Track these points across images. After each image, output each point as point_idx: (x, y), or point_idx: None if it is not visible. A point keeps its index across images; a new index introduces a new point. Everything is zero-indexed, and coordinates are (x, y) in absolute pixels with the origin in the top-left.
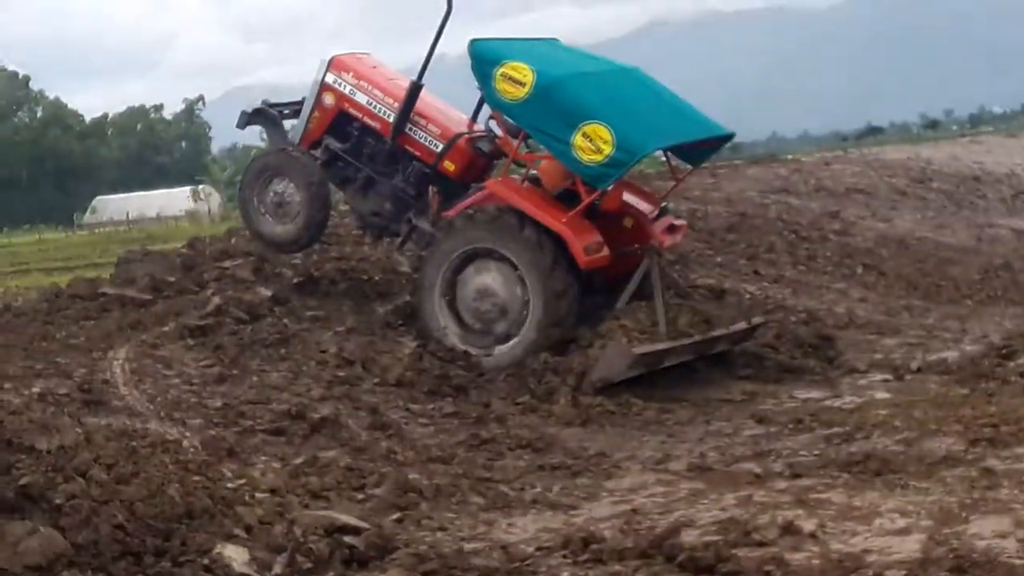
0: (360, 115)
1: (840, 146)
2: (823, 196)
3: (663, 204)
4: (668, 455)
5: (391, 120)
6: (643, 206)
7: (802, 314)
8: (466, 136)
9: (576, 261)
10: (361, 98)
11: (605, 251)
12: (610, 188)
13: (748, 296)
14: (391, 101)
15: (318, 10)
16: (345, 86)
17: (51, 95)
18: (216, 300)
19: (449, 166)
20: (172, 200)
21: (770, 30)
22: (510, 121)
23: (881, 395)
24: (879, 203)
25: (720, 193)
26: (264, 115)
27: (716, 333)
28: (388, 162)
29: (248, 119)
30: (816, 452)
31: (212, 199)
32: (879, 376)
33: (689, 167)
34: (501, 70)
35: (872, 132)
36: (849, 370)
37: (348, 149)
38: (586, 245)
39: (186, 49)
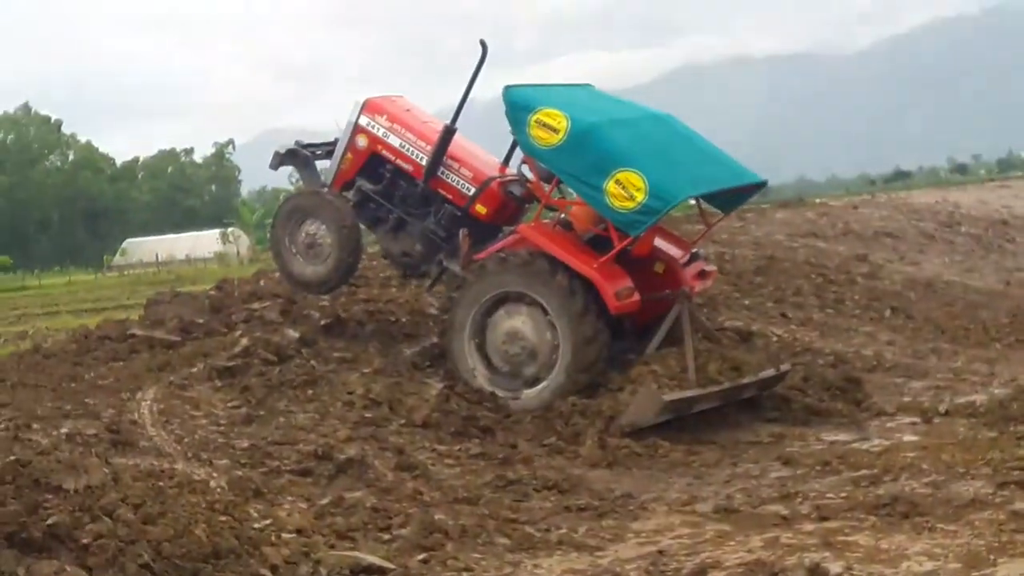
0: (393, 157)
1: (868, 190)
2: (851, 239)
3: (694, 250)
4: (695, 497)
5: (424, 163)
6: (674, 251)
7: (830, 357)
8: (498, 180)
9: (607, 306)
10: (394, 141)
11: (636, 296)
12: (641, 235)
13: (776, 339)
14: (424, 144)
15: (345, 54)
16: (379, 128)
17: (83, 139)
18: (244, 342)
19: (481, 209)
20: (201, 242)
21: (799, 75)
22: (543, 166)
23: (909, 438)
24: (907, 247)
25: (748, 236)
26: (297, 156)
27: (745, 380)
28: (420, 204)
29: (281, 159)
30: (843, 494)
31: (241, 242)
32: (907, 419)
33: (720, 213)
34: (535, 116)
35: (900, 176)
36: (877, 413)
37: (380, 191)
38: (617, 291)
39: (216, 89)
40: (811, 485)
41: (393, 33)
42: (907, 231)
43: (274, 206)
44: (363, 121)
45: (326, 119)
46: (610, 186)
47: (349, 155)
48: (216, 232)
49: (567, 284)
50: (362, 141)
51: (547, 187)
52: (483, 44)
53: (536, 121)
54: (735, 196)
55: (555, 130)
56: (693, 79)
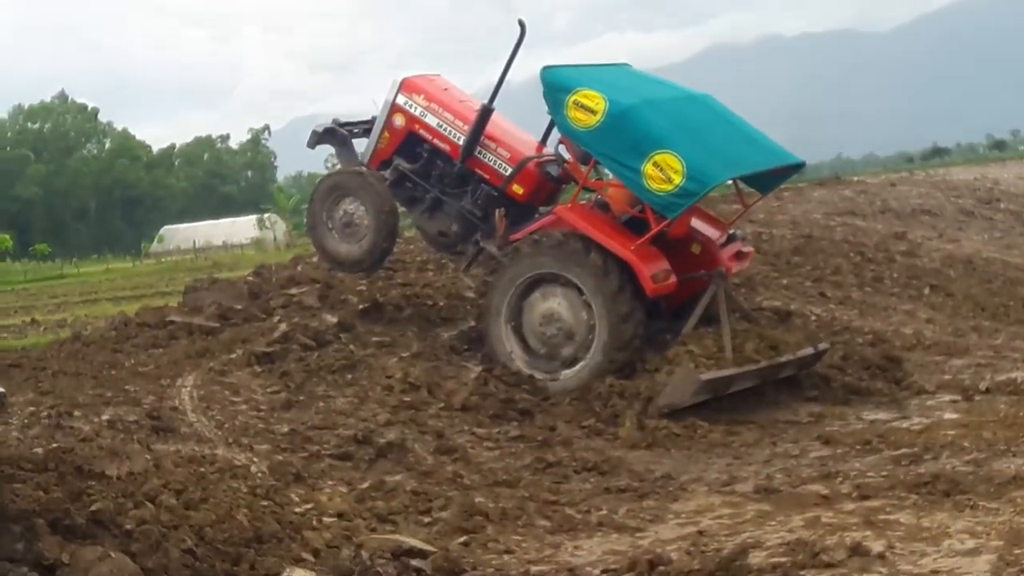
0: (430, 137)
1: (906, 167)
2: (889, 217)
3: (731, 231)
4: (734, 477)
5: (461, 143)
6: (711, 232)
7: (869, 336)
8: (535, 160)
9: (644, 289)
10: (431, 120)
11: (672, 279)
12: (680, 217)
13: (814, 318)
14: (461, 124)
15: (381, 41)
16: (416, 108)
17: (119, 127)
18: (283, 327)
19: (517, 189)
20: (238, 228)
21: (834, 53)
22: (580, 148)
23: (949, 416)
24: (946, 224)
25: (785, 215)
26: (334, 134)
27: (782, 359)
28: (456, 184)
29: (319, 138)
30: (884, 473)
31: (278, 227)
32: (947, 397)
33: (757, 193)
34: (573, 98)
35: (938, 153)
36: (917, 391)
37: (417, 170)
38: (654, 273)
39: (251, 78)
40: (851, 464)
41: (429, 19)
42: (946, 208)
43: (309, 192)
44: (400, 100)
45: (361, 106)
46: (648, 168)
47: (386, 134)
48: (253, 218)
49: (601, 263)
50: (399, 120)
51: (584, 168)
52: (521, 24)
53: (574, 102)
54: (773, 177)
55: (593, 111)
56: (727, 58)
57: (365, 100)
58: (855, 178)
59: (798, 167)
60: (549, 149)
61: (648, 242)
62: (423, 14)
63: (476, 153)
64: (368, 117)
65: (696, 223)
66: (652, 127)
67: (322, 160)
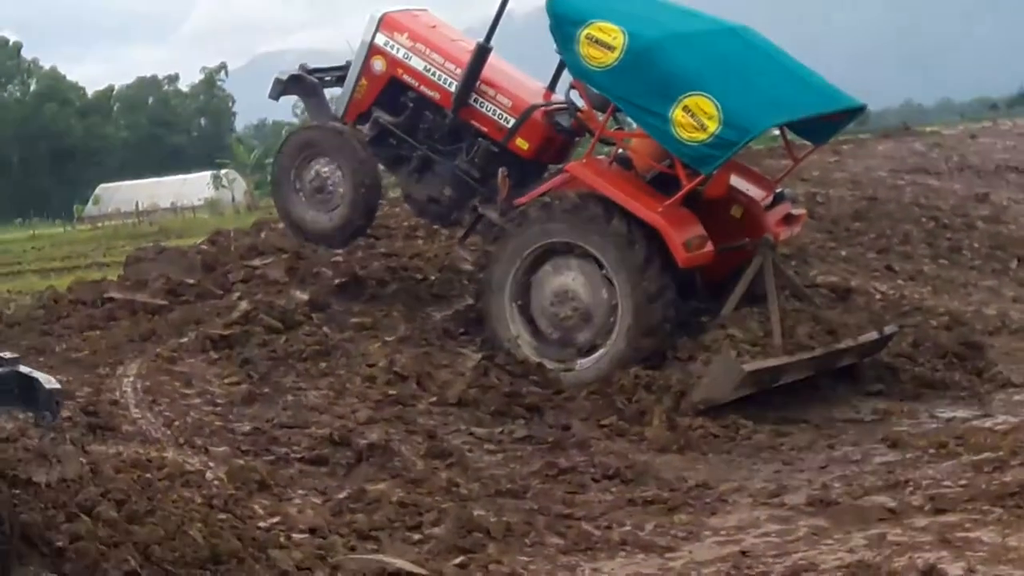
0: (416, 83)
1: (989, 115)
2: (968, 176)
3: (778, 190)
4: (784, 486)
5: (453, 89)
6: (754, 192)
7: (944, 317)
8: (542, 109)
9: (675, 258)
10: (417, 63)
11: (709, 246)
12: (716, 174)
13: (879, 296)
14: (453, 67)
15: None
16: (398, 49)
17: (46, 65)
18: (243, 305)
19: (522, 144)
20: (189, 187)
21: None
22: (596, 92)
23: None
24: None
25: (844, 173)
26: (302, 83)
27: (841, 345)
28: (449, 139)
29: (283, 87)
30: (963, 482)
31: (236, 186)
32: None
33: (809, 145)
34: (586, 31)
35: None
36: (1002, 384)
37: (401, 123)
38: (687, 240)
39: (206, 5)
40: (923, 471)
41: None
42: None
43: (275, 143)
44: (380, 40)
45: (338, 40)
46: (677, 114)
47: (364, 81)
48: (207, 175)
49: (625, 231)
50: (379, 64)
51: (601, 116)
52: None
53: (587, 37)
54: (828, 124)
55: (610, 47)
56: None
57: (345, 33)
58: (927, 128)
59: (858, 111)
60: (559, 96)
61: (679, 203)
62: None
63: (472, 101)
64: (343, 62)
65: (736, 181)
66: (681, 65)
67: (291, 106)
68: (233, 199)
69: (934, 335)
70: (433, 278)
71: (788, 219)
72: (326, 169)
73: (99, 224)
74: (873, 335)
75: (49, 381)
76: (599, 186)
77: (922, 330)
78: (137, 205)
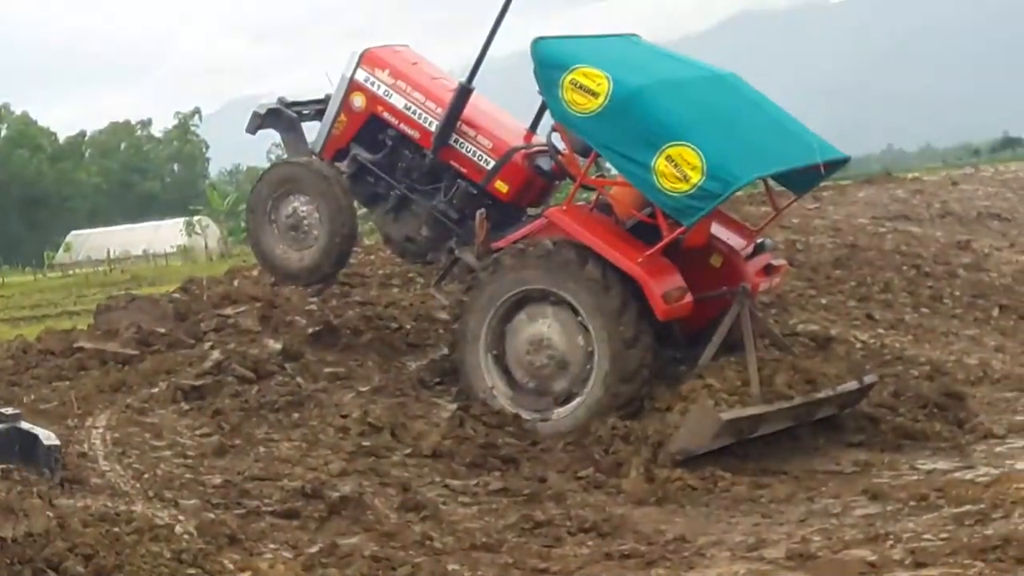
0: (396, 121)
1: (971, 161)
2: (950, 223)
3: (759, 240)
4: (763, 540)
5: (433, 129)
6: (735, 241)
7: (925, 367)
8: (523, 151)
9: (653, 310)
10: (397, 101)
11: (688, 298)
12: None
13: (860, 345)
14: (434, 106)
15: (340, 7)
16: (379, 86)
17: (17, 110)
18: (215, 355)
19: (501, 187)
20: (162, 234)
21: (884, 21)
22: (578, 137)
23: (1023, 465)
24: (1019, 231)
25: (825, 220)
26: (280, 117)
27: (821, 395)
28: (428, 179)
29: (260, 121)
30: (944, 536)
31: (210, 232)
32: (1020, 442)
33: (791, 194)
34: (570, 76)
35: (1009, 144)
36: (983, 435)
37: (379, 161)
38: (666, 291)
39: (181, 54)
40: (904, 524)
41: None
42: (1018, 211)
43: (248, 189)
44: (360, 76)
45: (314, 83)
46: (659, 163)
47: (343, 117)
48: (180, 221)
49: (600, 276)
50: (359, 101)
51: (583, 162)
52: None
53: (571, 82)
54: (810, 174)
55: (594, 93)
56: (757, 28)
57: (318, 76)
58: (909, 175)
59: (841, 163)
60: (540, 138)
61: (659, 253)
62: None
63: (452, 142)
64: (322, 96)
65: (717, 230)
66: (666, 113)
67: (265, 151)
68: (206, 246)
69: (915, 385)
70: (408, 327)
71: (768, 270)
72: (305, 208)
73: (70, 272)
74: (853, 385)
75: (49, 438)
76: (578, 233)
77: (903, 380)
78: (109, 252)
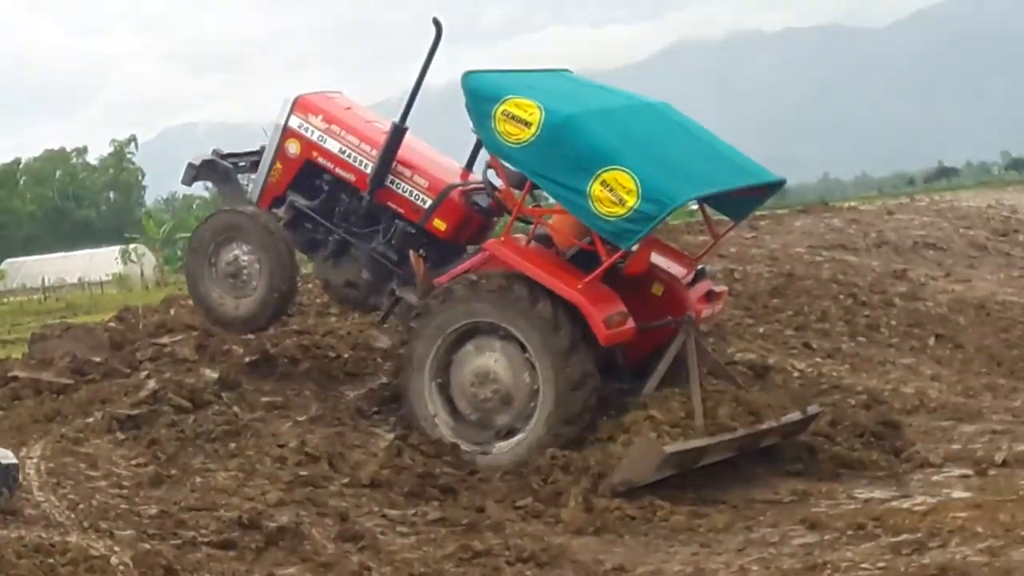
0: (331, 165)
1: (906, 191)
2: (886, 252)
3: (699, 267)
4: (701, 569)
5: (369, 171)
6: (675, 269)
7: (862, 396)
8: (460, 189)
9: (595, 336)
10: (332, 145)
11: (630, 323)
12: (635, 248)
13: (797, 374)
14: (368, 148)
15: (278, 36)
16: (313, 131)
17: None
18: (151, 384)
19: (439, 225)
20: (97, 262)
21: (820, 53)
22: (513, 169)
23: (959, 494)
24: (954, 260)
25: (762, 249)
26: (215, 168)
27: (764, 426)
28: (365, 221)
29: (196, 173)
30: (881, 564)
31: (146, 260)
32: (956, 471)
33: (729, 221)
34: (502, 108)
35: (944, 174)
36: (920, 464)
37: (317, 207)
38: (607, 316)
39: (117, 84)
40: (842, 553)
41: (333, 12)
42: (954, 241)
43: (185, 218)
44: (294, 123)
45: (248, 113)
46: (595, 189)
47: (278, 164)
48: (116, 249)
49: (551, 315)
50: (293, 147)
51: (518, 194)
52: (436, 23)
53: (503, 113)
54: (747, 199)
55: (526, 123)
56: (693, 58)
57: (256, 106)
58: (845, 204)
59: (777, 186)
60: (476, 176)
61: (599, 280)
62: (324, 6)
63: (388, 183)
64: (256, 147)
65: (657, 259)
66: (598, 140)
67: (201, 182)
68: (142, 274)
69: (852, 414)
70: (346, 356)
71: (710, 296)
72: (246, 258)
73: (4, 300)
74: (796, 415)
75: (7, 456)
76: (517, 264)
77: (840, 409)
78: (43, 280)
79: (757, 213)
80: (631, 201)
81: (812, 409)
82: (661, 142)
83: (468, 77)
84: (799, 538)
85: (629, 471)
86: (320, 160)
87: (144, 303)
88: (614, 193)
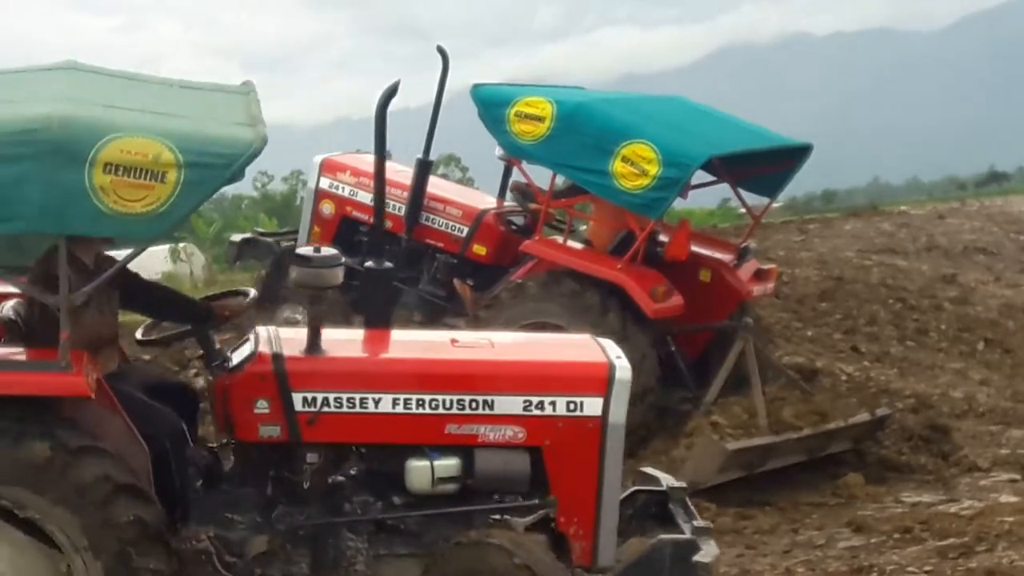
0: (366, 216)
1: (957, 195)
2: (936, 256)
3: (743, 245)
4: (747, 571)
5: (402, 213)
6: (720, 255)
7: (911, 400)
8: (493, 212)
9: (643, 310)
10: (364, 197)
11: (677, 298)
12: (674, 234)
13: (845, 378)
14: (398, 192)
15: (324, 39)
16: (343, 188)
17: None
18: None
19: (479, 250)
20: (147, 261)
21: (871, 56)
22: (560, 185)
23: (1007, 498)
24: (1005, 265)
25: (811, 252)
26: (257, 244)
27: (831, 426)
28: (408, 263)
29: (239, 251)
30: (928, 568)
31: (195, 260)
32: (1005, 475)
33: (764, 199)
34: (515, 109)
35: (995, 178)
36: (968, 468)
37: (360, 261)
38: (651, 289)
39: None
40: (888, 556)
41: (379, 12)
42: (1005, 246)
43: (234, 217)
44: (324, 184)
45: (302, 111)
46: (616, 166)
47: (316, 228)
48: (165, 248)
49: (599, 304)
50: (328, 208)
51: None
52: (441, 52)
53: (516, 114)
54: (777, 174)
55: (540, 119)
56: (743, 61)
57: (299, 107)
58: (895, 208)
59: (803, 151)
60: (510, 203)
61: (638, 260)
62: (370, 5)
63: (423, 220)
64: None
65: (698, 248)
66: (612, 119)
67: (251, 181)
68: (191, 273)
69: (900, 418)
70: None
71: (759, 275)
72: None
73: None
74: (865, 416)
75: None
76: (556, 258)
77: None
78: None
79: (806, 216)
80: (653, 170)
81: (881, 412)
82: (675, 118)
83: (477, 89)
84: (845, 541)
85: (693, 472)
86: (355, 214)
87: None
88: (636, 166)
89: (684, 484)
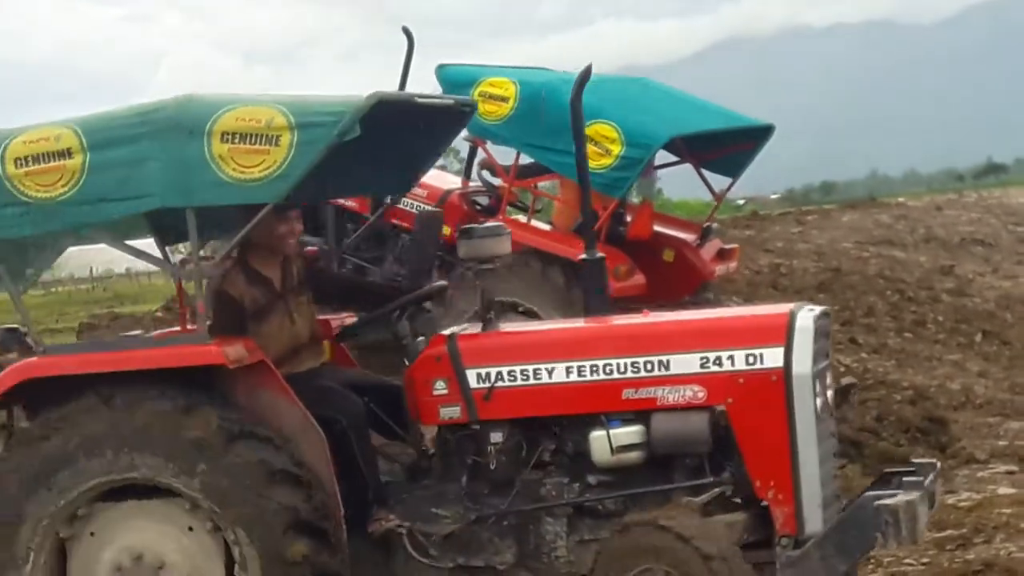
0: (355, 204)
1: (954, 187)
2: (934, 248)
3: (705, 225)
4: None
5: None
6: (683, 235)
7: (908, 392)
8: (458, 192)
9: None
10: None
11: (639, 278)
12: (637, 214)
13: (842, 369)
14: None
15: (328, 30)
16: None
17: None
18: None
19: (445, 230)
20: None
21: (871, 48)
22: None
23: (1005, 490)
24: (1002, 256)
25: (808, 244)
26: None
27: None
28: (375, 245)
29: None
30: (925, 560)
31: None
32: (1002, 467)
33: (727, 179)
34: (479, 89)
35: (993, 170)
36: (966, 460)
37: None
38: (614, 268)
39: (172, 74)
40: (886, 548)
41: (384, 3)
42: (1002, 237)
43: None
44: None
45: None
46: None
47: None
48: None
49: (562, 282)
50: None
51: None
52: (407, 33)
53: (480, 94)
54: (739, 154)
55: (503, 99)
56: (743, 53)
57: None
58: (893, 200)
59: (764, 131)
60: (476, 183)
61: (601, 238)
62: None
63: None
64: None
65: (661, 229)
66: None
67: None
68: None
69: (898, 409)
70: None
71: (722, 254)
72: None
73: (52, 289)
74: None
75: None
76: (522, 238)
77: (886, 404)
78: (91, 270)
79: (805, 208)
80: (616, 149)
81: (847, 380)
82: (639, 97)
83: (442, 69)
84: None
85: None
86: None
87: (192, 293)
88: (599, 146)
89: None
